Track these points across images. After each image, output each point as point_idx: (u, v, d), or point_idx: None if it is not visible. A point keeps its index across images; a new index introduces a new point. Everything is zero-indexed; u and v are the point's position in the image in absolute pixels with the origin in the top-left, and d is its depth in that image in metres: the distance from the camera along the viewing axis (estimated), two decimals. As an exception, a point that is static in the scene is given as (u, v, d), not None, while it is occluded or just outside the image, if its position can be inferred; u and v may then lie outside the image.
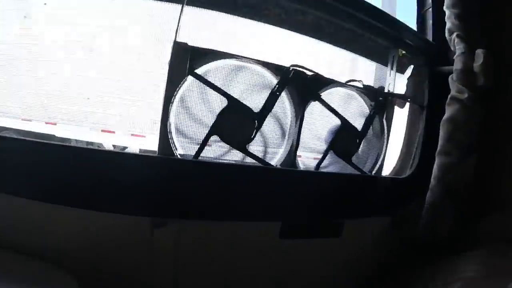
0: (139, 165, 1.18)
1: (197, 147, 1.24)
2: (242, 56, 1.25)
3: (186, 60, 1.18)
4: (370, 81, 1.72)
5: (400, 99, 1.73)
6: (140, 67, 1.42)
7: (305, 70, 1.34)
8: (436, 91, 1.65)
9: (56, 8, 1.32)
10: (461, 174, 1.47)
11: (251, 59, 1.26)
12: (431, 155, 1.56)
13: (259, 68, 1.30)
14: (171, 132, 1.24)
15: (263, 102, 1.28)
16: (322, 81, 1.39)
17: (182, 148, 1.27)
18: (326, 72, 1.44)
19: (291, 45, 1.49)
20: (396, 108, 1.75)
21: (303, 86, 1.34)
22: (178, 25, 1.20)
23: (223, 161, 1.29)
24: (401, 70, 1.80)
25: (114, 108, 1.44)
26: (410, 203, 1.69)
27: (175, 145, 1.25)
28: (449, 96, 1.48)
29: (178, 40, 1.18)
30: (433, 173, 1.50)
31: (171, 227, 1.20)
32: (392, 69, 1.69)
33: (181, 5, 1.20)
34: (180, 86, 1.21)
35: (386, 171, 1.76)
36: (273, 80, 1.32)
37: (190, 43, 1.18)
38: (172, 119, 1.24)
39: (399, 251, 1.71)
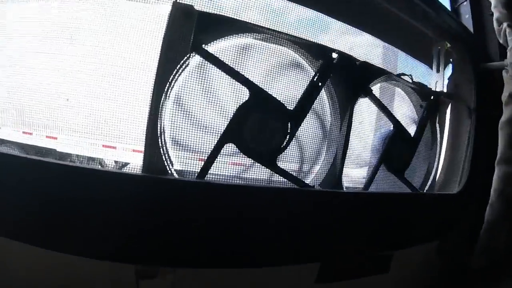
0: (115, 188, 0.76)
1: (201, 162, 0.82)
2: (270, 30, 0.86)
3: (190, 32, 0.77)
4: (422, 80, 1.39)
5: (452, 100, 1.40)
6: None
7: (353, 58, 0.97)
8: (485, 90, 1.37)
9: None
10: None
11: (282, 34, 0.88)
12: (485, 166, 1.28)
13: (292, 49, 0.91)
14: (163, 140, 0.82)
15: (299, 96, 0.89)
16: (374, 71, 1.03)
17: (181, 163, 0.86)
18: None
19: (326, 30, 1.11)
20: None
21: (351, 77, 0.97)
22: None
23: (242, 182, 0.88)
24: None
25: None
26: (461, 223, 1.37)
27: (169, 159, 0.83)
28: (506, 94, 1.24)
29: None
30: (493, 185, 1.24)
31: (162, 278, 0.84)
32: (439, 65, 1.38)
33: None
34: (179, 70, 0.81)
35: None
36: (310, 68, 0.94)
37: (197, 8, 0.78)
38: (166, 120, 0.83)
39: (449, 280, 1.38)
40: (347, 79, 0.96)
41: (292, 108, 0.88)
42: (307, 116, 0.93)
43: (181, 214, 0.80)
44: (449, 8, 1.59)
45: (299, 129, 0.90)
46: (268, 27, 0.87)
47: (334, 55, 0.93)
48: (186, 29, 0.77)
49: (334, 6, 1.13)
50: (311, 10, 1.10)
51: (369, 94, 1.01)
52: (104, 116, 0.99)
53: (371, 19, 1.26)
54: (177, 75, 0.82)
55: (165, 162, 0.82)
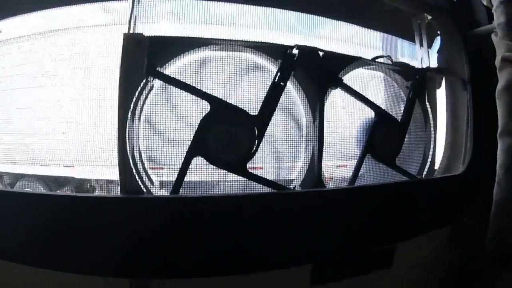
0: (99, 210, 0.81)
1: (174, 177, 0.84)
2: (223, 40, 0.87)
3: (143, 57, 0.80)
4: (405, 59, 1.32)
5: (440, 74, 1.31)
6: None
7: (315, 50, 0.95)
8: (478, 58, 1.26)
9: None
10: None
11: (237, 41, 0.88)
12: (489, 140, 1.15)
13: (249, 53, 0.91)
14: (136, 161, 0.86)
15: (262, 99, 0.88)
16: (342, 59, 0.99)
17: (155, 180, 0.89)
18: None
19: (286, 27, 1.10)
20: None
21: (316, 70, 0.94)
22: (131, 12, 0.84)
23: (217, 192, 0.89)
24: (428, 43, 1.41)
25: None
26: (471, 206, 1.26)
27: (143, 178, 0.86)
28: (498, 59, 1.11)
29: (134, 30, 0.82)
30: (498, 161, 1.11)
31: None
32: (421, 39, 1.30)
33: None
34: (142, 95, 0.84)
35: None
36: (273, 68, 0.93)
37: (148, 33, 0.81)
38: (136, 141, 0.86)
39: (463, 268, 1.27)
40: (312, 73, 0.94)
41: (256, 113, 0.88)
42: (279, 117, 0.93)
43: (162, 228, 0.82)
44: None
45: (271, 131, 0.89)
46: (221, 37, 0.88)
47: (294, 51, 0.91)
48: (139, 56, 0.80)
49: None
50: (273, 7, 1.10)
51: (340, 84, 0.98)
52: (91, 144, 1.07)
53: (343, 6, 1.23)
54: (141, 98, 0.85)
55: (139, 181, 0.85)
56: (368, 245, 1.03)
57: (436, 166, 1.34)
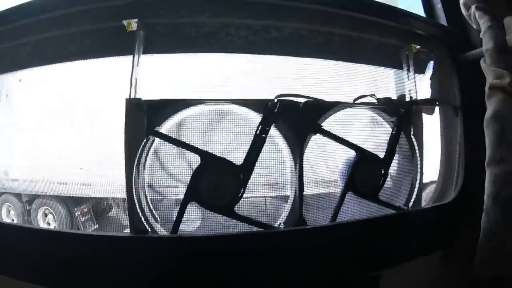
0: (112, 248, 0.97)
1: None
2: (210, 100, 1.00)
3: (143, 119, 0.96)
4: (392, 92, 1.37)
5: (427, 105, 1.36)
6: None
7: (296, 98, 1.05)
8: (469, 83, 1.25)
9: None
10: None
11: (222, 100, 1.01)
12: (480, 167, 1.17)
13: (237, 108, 1.04)
14: (142, 206, 1.01)
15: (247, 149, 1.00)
16: (320, 106, 1.09)
17: (159, 222, 1.04)
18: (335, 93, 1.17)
19: (278, 71, 1.21)
20: (426, 117, 1.39)
21: (296, 119, 1.05)
22: (131, 79, 1.00)
23: (211, 232, 1.02)
24: (420, 69, 1.44)
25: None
26: (462, 231, 1.29)
27: (149, 220, 1.02)
28: (487, 86, 1.11)
29: (135, 95, 0.98)
30: (486, 190, 1.12)
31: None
32: (409, 70, 1.34)
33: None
34: (144, 150, 0.99)
35: (428, 198, 1.38)
36: (258, 119, 1.05)
37: (146, 97, 0.97)
38: (142, 189, 1.02)
39: None
40: (292, 123, 1.05)
41: (241, 162, 1.00)
42: (265, 162, 1.05)
43: (162, 261, 0.97)
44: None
45: (250, 177, 1.01)
46: (210, 98, 1.01)
47: (275, 104, 1.03)
48: (139, 117, 0.96)
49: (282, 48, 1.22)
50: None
51: (319, 130, 1.08)
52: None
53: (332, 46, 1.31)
54: (144, 153, 1.01)
55: (145, 222, 1.01)
56: (351, 273, 1.11)
57: (429, 195, 1.39)
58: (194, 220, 1.01)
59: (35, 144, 1.41)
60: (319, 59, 1.30)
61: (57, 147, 1.41)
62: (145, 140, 0.98)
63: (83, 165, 1.38)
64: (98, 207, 1.84)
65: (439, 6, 1.41)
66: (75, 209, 1.65)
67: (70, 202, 1.78)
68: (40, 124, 1.41)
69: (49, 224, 1.85)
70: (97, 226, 1.83)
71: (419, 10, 1.48)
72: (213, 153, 0.98)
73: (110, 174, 1.33)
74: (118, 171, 1.18)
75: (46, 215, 1.82)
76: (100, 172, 1.33)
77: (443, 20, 1.39)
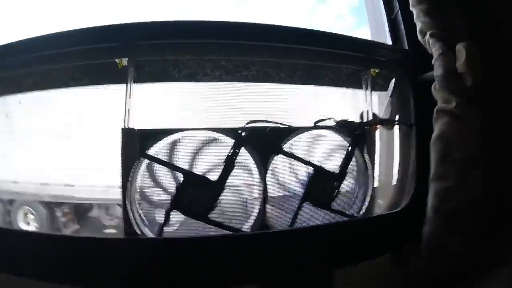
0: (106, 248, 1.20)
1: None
2: (191, 128, 1.24)
3: (136, 144, 1.19)
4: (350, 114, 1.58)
5: (382, 125, 1.58)
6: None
7: (264, 124, 1.28)
8: (424, 103, 1.36)
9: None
10: (463, 199, 1.20)
11: (202, 129, 1.25)
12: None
13: (215, 134, 1.27)
14: (134, 213, 1.25)
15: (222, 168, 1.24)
16: (283, 132, 1.32)
17: (147, 225, 1.27)
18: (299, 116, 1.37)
19: (250, 100, 1.44)
20: (384, 134, 1.61)
21: (261, 143, 1.28)
22: (125, 110, 1.23)
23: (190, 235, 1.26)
24: (383, 89, 1.66)
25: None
26: (412, 237, 1.48)
27: (139, 224, 1.25)
28: (434, 110, 1.24)
29: (128, 125, 1.21)
30: (428, 203, 1.25)
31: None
32: (367, 92, 1.56)
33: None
34: (136, 169, 1.23)
35: (383, 206, 1.60)
36: (231, 143, 1.28)
37: (139, 126, 1.21)
38: (132, 198, 1.25)
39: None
40: (259, 146, 1.28)
41: (216, 178, 1.24)
42: (236, 178, 1.27)
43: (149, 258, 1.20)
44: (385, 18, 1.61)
45: (223, 191, 1.24)
46: (189, 127, 1.25)
47: (244, 132, 1.26)
48: (133, 143, 1.19)
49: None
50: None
51: (280, 152, 1.31)
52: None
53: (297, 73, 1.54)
54: (137, 171, 1.24)
55: (135, 226, 1.24)
56: (307, 271, 1.32)
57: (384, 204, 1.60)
58: (176, 224, 1.25)
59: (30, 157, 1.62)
60: (286, 84, 1.53)
61: (51, 161, 1.63)
62: (138, 161, 1.21)
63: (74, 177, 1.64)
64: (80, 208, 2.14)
65: (402, 31, 1.54)
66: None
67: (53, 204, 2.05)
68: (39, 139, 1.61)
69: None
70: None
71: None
72: (192, 172, 1.22)
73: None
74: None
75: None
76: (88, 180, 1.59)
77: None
